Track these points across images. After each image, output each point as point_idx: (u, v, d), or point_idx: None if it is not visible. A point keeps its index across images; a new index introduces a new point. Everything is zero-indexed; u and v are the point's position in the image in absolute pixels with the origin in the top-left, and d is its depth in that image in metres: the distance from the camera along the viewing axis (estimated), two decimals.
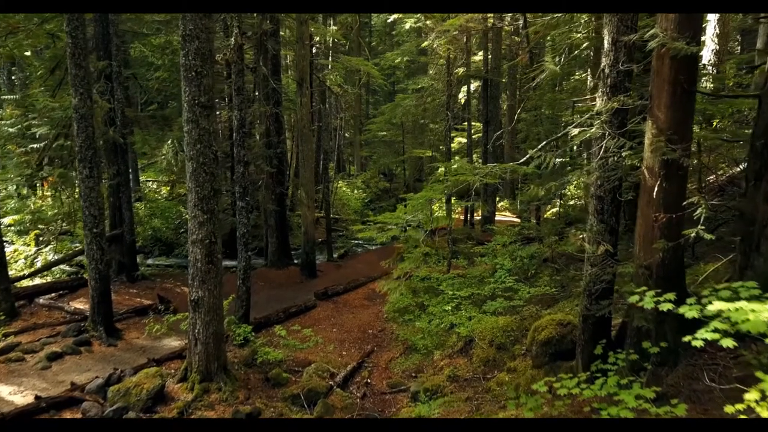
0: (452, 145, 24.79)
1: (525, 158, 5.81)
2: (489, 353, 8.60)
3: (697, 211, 5.04)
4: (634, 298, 3.47)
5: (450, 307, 9.96)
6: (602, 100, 5.92)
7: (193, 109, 7.31)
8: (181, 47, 7.24)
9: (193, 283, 7.82)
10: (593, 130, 5.53)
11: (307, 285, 14.49)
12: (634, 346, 5.80)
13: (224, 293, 12.00)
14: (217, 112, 19.84)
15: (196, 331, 7.90)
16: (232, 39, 9.25)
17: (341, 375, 8.97)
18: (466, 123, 25.81)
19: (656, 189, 5.46)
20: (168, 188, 23.22)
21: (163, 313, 10.89)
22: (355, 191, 28.68)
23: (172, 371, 8.66)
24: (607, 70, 5.89)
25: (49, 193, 17.25)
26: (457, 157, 28.58)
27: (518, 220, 21.55)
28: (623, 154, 5.62)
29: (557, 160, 6.46)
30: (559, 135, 5.92)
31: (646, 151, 5.63)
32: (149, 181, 26.54)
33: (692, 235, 4.95)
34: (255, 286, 14.05)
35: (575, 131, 5.76)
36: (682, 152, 5.20)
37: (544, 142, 5.86)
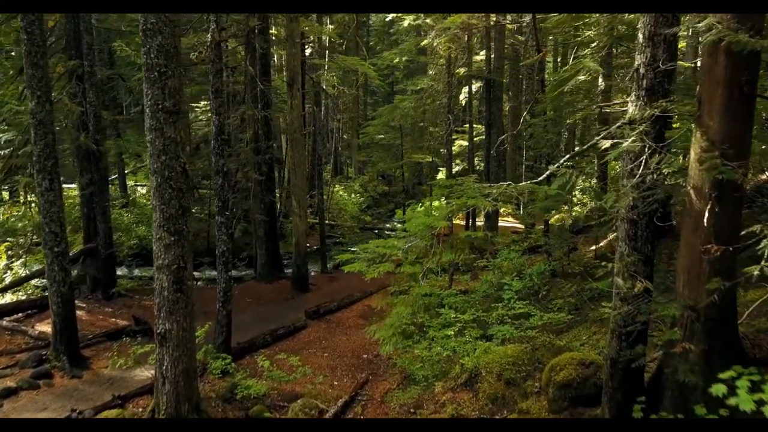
0: (453, 148, 23.83)
1: (545, 175, 4.83)
2: (497, 388, 7.62)
3: (762, 243, 4.08)
4: (719, 389, 2.50)
5: (452, 332, 8.99)
6: (636, 105, 4.94)
7: (156, 115, 6.33)
8: (142, 44, 6.27)
9: (160, 314, 6.84)
10: (628, 143, 4.54)
11: (298, 301, 13.50)
12: (676, 403, 4.82)
13: (208, 311, 11.08)
14: (209, 115, 18.90)
15: (164, 368, 6.90)
16: (209, 35, 8.27)
17: (331, 411, 7.99)
18: (467, 125, 24.85)
19: (706, 214, 4.48)
20: None
21: (138, 337, 9.91)
22: (353, 195, 27.70)
23: (140, 410, 7.69)
24: (642, 70, 4.90)
25: (33, 199, 16.30)
26: (458, 161, 27.61)
27: (521, 226, 20.59)
28: (664, 171, 4.64)
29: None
30: (585, 148, 4.95)
31: (693, 167, 4.65)
32: (139, 185, 25.54)
33: (755, 273, 4.00)
34: (242, 303, 13.08)
35: (606, 143, 4.78)
36: (742, 171, 4.24)
37: (567, 156, 4.88)
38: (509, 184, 4.78)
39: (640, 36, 4.94)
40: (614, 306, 5.34)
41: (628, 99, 5.12)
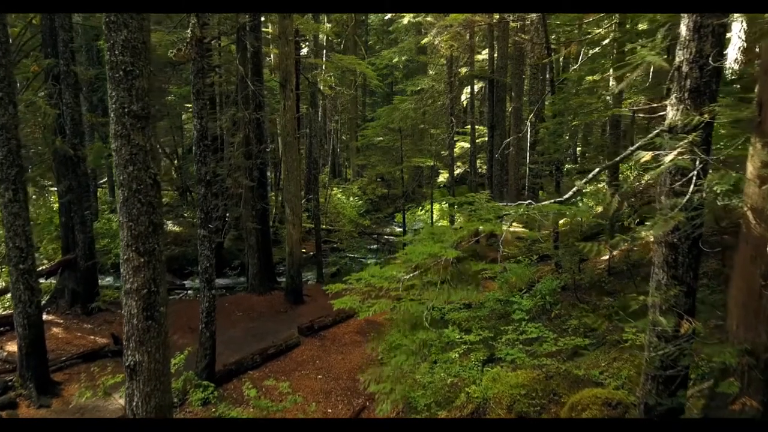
0: (454, 150, 23.06)
1: (570, 193, 4.06)
2: None
3: None
4: None
5: (456, 355, 8.24)
6: (678, 109, 4.17)
7: (122, 120, 5.55)
8: (105, 39, 5.50)
9: (129, 344, 6.04)
10: (674, 155, 3.78)
11: (292, 314, 12.72)
12: None
13: (194, 327, 10.30)
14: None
15: (134, 404, 6.12)
16: (189, 31, 7.52)
17: None
18: (468, 127, 24.08)
19: None
20: None
21: (113, 361, 9.15)
22: (351, 199, 26.89)
23: None
24: (685, 68, 4.13)
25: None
26: (459, 163, 26.83)
27: (525, 230, 19.83)
28: (716, 189, 3.88)
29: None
30: (618, 159, 4.19)
31: (751, 185, 3.90)
32: None
33: None
34: (232, 317, 12.34)
35: (645, 155, 4.02)
36: None
37: (597, 170, 4.12)
38: (529, 203, 4.02)
39: (683, 28, 4.18)
40: (649, 343, 4.58)
41: (667, 102, 4.36)
